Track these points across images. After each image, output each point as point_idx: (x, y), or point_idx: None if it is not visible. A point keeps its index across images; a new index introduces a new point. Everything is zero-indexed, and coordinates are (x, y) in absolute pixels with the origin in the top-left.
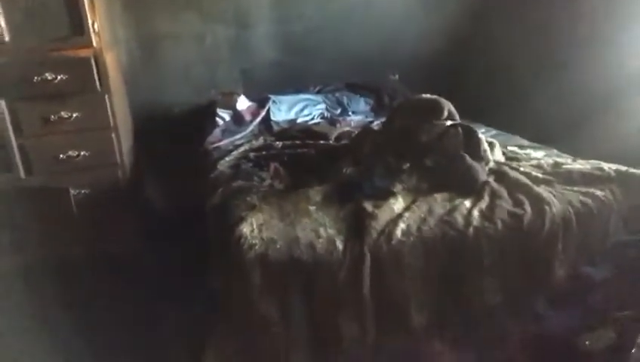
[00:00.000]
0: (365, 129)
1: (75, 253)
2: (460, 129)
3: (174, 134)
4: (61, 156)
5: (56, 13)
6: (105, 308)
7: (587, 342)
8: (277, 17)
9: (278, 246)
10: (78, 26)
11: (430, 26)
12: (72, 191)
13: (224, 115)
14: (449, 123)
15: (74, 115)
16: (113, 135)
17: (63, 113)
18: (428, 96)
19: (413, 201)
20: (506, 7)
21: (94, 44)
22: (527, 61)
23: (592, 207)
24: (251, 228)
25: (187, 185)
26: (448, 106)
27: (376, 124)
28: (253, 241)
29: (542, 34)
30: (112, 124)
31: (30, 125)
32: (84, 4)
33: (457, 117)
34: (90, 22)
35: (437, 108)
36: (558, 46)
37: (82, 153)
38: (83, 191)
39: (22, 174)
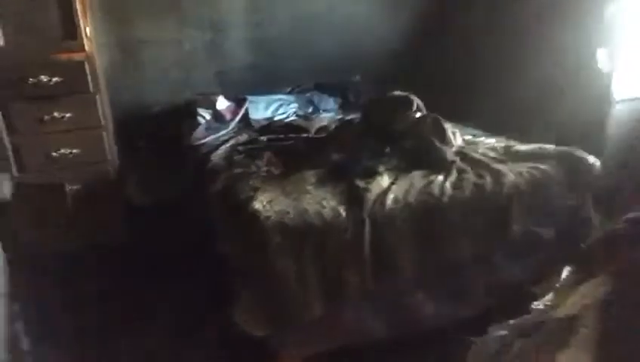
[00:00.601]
0: (345, 121)
1: (70, 244)
2: (429, 119)
3: (152, 132)
4: (54, 154)
5: (50, 19)
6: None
7: (537, 291)
8: (250, 23)
9: (291, 215)
10: (72, 31)
11: (390, 30)
12: (67, 187)
13: (204, 114)
14: (419, 114)
15: (66, 115)
16: (104, 133)
17: (55, 113)
18: (399, 92)
19: (396, 178)
20: (465, 13)
21: (87, 48)
22: (480, 62)
23: (537, 177)
24: (262, 204)
25: (164, 179)
26: (417, 100)
27: (352, 118)
28: (267, 214)
29: (496, 39)
30: (102, 123)
31: (24, 125)
32: (77, 11)
33: (424, 109)
34: (82, 27)
35: (408, 103)
36: (511, 46)
37: (74, 151)
38: (75, 187)
39: (14, 172)
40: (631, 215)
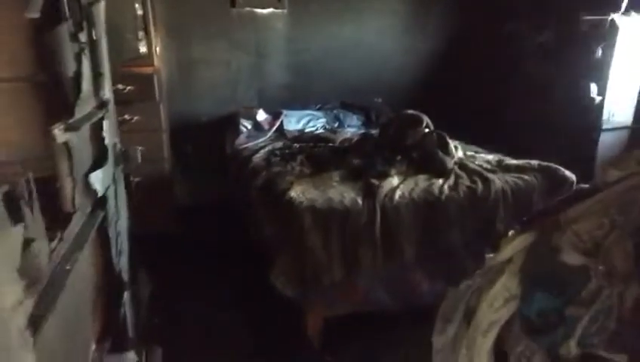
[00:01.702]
0: (366, 134)
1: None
2: (434, 134)
3: (199, 139)
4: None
5: (129, 38)
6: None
7: None
8: (288, 49)
9: (320, 202)
10: (147, 49)
11: (408, 61)
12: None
13: (246, 124)
14: (427, 130)
15: (135, 118)
16: (163, 135)
17: (126, 116)
18: (412, 111)
19: (404, 180)
20: (469, 50)
21: (155, 63)
22: (483, 91)
23: (521, 185)
24: (296, 193)
25: (208, 181)
26: (426, 119)
27: (373, 133)
28: (301, 200)
29: (501, 74)
30: (163, 127)
31: None
32: (151, 32)
33: (432, 126)
34: (154, 46)
35: (418, 120)
36: (511, 79)
37: (139, 148)
38: (137, 179)
39: None
40: (578, 186)
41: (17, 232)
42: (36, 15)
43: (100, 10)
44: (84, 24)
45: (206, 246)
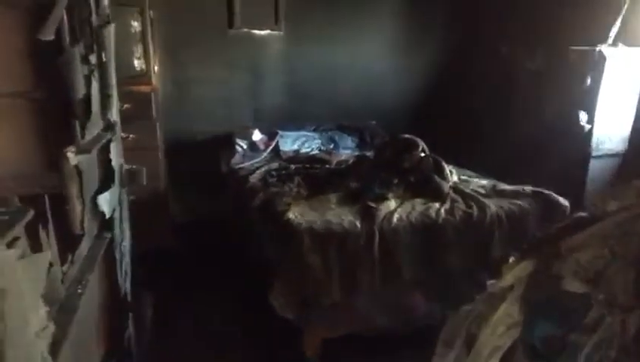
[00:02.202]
0: (362, 157)
1: None
2: (431, 158)
3: (196, 157)
4: None
5: (127, 58)
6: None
7: None
8: (284, 71)
9: (318, 224)
10: (145, 68)
11: (402, 84)
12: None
13: (242, 144)
14: (423, 154)
15: (131, 136)
16: (159, 154)
17: (123, 134)
18: (408, 135)
19: (402, 203)
20: (464, 73)
21: (153, 82)
22: (477, 116)
23: (515, 211)
24: (295, 215)
25: (202, 199)
26: (422, 143)
27: (368, 155)
28: (299, 221)
29: (494, 98)
30: (159, 145)
31: None
32: (150, 51)
33: (428, 150)
34: (152, 65)
35: (414, 144)
36: (504, 105)
37: (134, 166)
38: (131, 198)
39: None
40: (574, 215)
41: (44, 258)
42: (50, 37)
43: (110, 32)
44: (94, 46)
45: (204, 263)
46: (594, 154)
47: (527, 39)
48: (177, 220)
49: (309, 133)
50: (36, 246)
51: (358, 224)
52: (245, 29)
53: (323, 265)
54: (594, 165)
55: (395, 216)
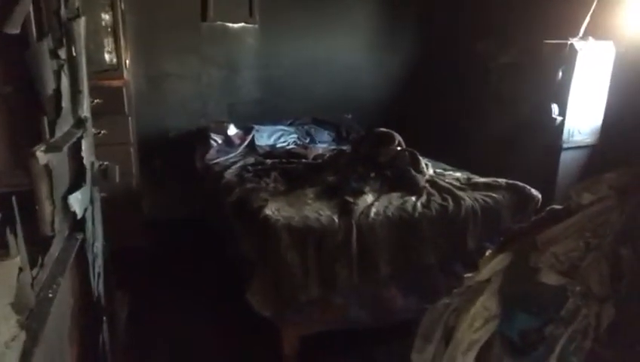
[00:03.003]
0: (339, 151)
1: None
2: (407, 152)
3: (170, 152)
4: None
5: (98, 51)
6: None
7: None
8: (259, 64)
9: (296, 220)
10: (117, 62)
11: (379, 78)
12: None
13: (217, 139)
14: (399, 148)
15: (102, 131)
16: (131, 149)
17: (94, 129)
18: (384, 129)
19: (378, 197)
20: (439, 67)
21: (125, 76)
22: (451, 109)
23: (490, 203)
24: (272, 211)
25: (176, 196)
26: (398, 137)
27: (343, 149)
28: (277, 218)
29: (469, 92)
30: (131, 141)
31: None
32: (121, 44)
33: (404, 144)
34: (124, 59)
35: (391, 138)
36: (477, 98)
37: (105, 163)
38: (102, 195)
39: None
40: (549, 208)
41: (14, 265)
42: (16, 31)
43: (81, 25)
44: (64, 40)
45: (179, 262)
46: (565, 146)
47: (501, 33)
48: (150, 218)
49: (285, 128)
50: (3, 250)
51: (335, 219)
52: (219, 22)
53: (301, 261)
54: (565, 157)
55: (373, 211)
